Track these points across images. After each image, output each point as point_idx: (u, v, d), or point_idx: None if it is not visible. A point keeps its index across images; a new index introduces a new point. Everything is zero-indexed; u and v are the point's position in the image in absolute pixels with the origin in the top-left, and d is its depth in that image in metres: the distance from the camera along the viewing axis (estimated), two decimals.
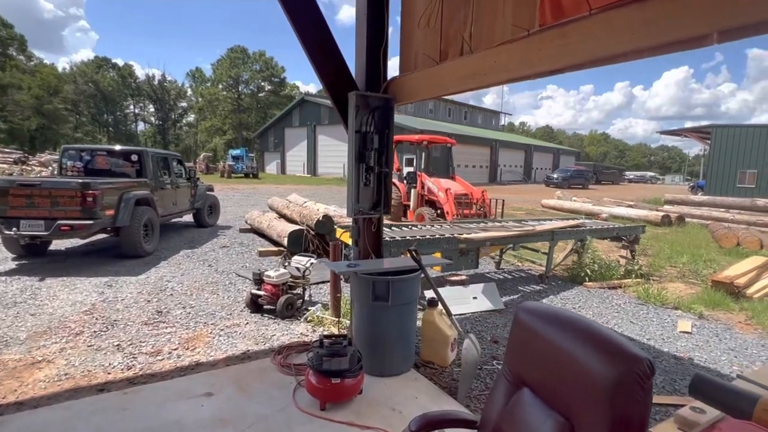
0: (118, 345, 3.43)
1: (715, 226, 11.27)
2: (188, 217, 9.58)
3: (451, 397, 2.78)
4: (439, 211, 9.32)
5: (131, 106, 60.84)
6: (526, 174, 41.63)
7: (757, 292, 5.56)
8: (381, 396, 2.73)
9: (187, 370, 3.08)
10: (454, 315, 3.28)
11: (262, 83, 58.55)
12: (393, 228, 5.59)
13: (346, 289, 4.47)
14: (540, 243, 6.18)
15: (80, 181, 5.74)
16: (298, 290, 4.38)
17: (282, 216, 8.37)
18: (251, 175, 31.03)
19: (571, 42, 1.89)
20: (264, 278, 4.18)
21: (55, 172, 9.59)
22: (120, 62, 59.32)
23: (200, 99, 59.19)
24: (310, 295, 4.76)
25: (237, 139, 55.07)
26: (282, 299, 4.04)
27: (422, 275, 3.05)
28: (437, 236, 5.05)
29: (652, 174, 69.33)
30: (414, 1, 3.02)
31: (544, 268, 6.65)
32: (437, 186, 9.38)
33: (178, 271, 5.79)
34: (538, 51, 2.04)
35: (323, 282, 5.41)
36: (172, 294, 4.80)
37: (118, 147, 7.66)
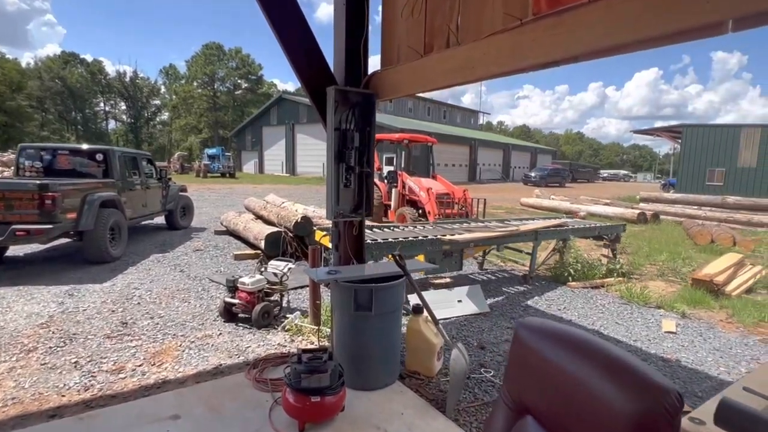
0: (75, 362, 3.14)
1: (689, 224, 11.52)
2: (160, 219, 9.17)
3: (438, 411, 2.62)
4: (420, 211, 9.19)
5: (101, 104, 58.72)
6: (505, 173, 42.10)
7: (735, 289, 5.61)
8: (365, 412, 2.54)
9: (152, 389, 2.83)
10: (439, 320, 3.13)
11: (239, 81, 57.46)
12: (374, 229, 5.40)
13: (326, 294, 4.28)
14: (523, 243, 6.12)
15: (38, 182, 5.34)
16: (276, 297, 4.15)
17: (259, 217, 8.08)
18: (228, 175, 30.32)
19: (567, 32, 1.75)
20: (238, 285, 3.94)
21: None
22: (89, 58, 57.29)
23: (174, 97, 57.62)
24: (288, 302, 4.53)
25: (213, 137, 53.86)
26: (258, 307, 3.80)
27: (407, 281, 2.87)
28: (420, 238, 4.90)
29: (625, 172, 71.24)
30: None
31: (527, 268, 6.59)
32: (418, 185, 9.25)
33: (147, 278, 5.46)
34: (531, 42, 1.90)
35: (302, 287, 5.19)
36: (139, 303, 4.50)
37: (85, 146, 7.24)
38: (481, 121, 57.35)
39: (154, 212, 8.34)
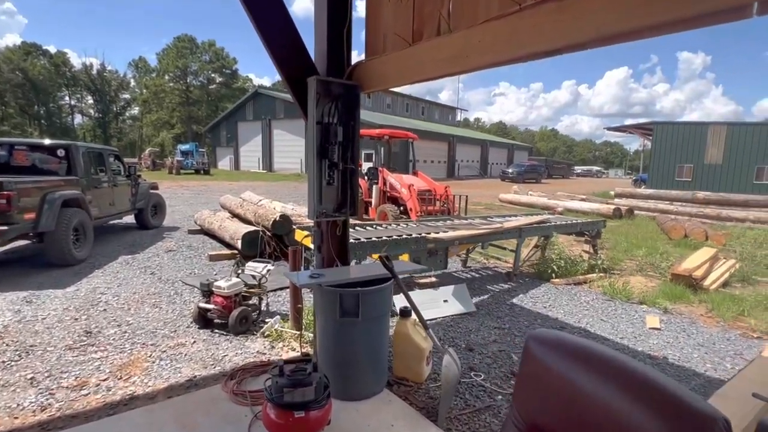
0: (31, 378, 2.86)
1: (662, 219, 11.80)
2: (129, 219, 8.74)
3: (430, 421, 2.48)
4: (401, 208, 9.06)
5: (66, 98, 56.16)
6: (483, 169, 42.50)
7: (712, 283, 5.71)
8: (352, 426, 2.38)
9: (118, 406, 2.59)
10: (425, 320, 2.99)
11: (213, 75, 56.00)
12: (356, 228, 5.23)
13: (307, 297, 4.08)
14: (505, 240, 6.06)
15: None
16: (254, 301, 3.94)
17: (235, 216, 7.78)
18: (202, 172, 29.51)
19: (572, 18, 1.62)
20: (213, 290, 3.70)
21: None
22: (52, 49, 54.58)
23: (145, 91, 55.67)
24: (267, 305, 4.32)
25: (186, 133, 52.34)
26: (235, 313, 3.58)
27: (395, 284, 2.72)
28: (404, 236, 4.75)
29: (598, 168, 73.19)
30: None
31: (510, 265, 6.56)
32: (400, 182, 9.11)
33: (114, 281, 5.13)
34: (531, 28, 1.76)
35: (282, 288, 4.98)
36: (105, 309, 4.20)
37: (46, 141, 6.79)
38: (458, 118, 57.70)
39: (123, 211, 7.92)
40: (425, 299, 4.37)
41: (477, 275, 6.09)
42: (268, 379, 2.23)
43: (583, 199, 16.86)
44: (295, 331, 3.61)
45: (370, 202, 9.88)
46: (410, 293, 2.77)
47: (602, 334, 4.10)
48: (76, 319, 3.93)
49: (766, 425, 1.12)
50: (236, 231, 6.46)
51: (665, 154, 23.78)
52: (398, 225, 5.70)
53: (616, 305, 4.98)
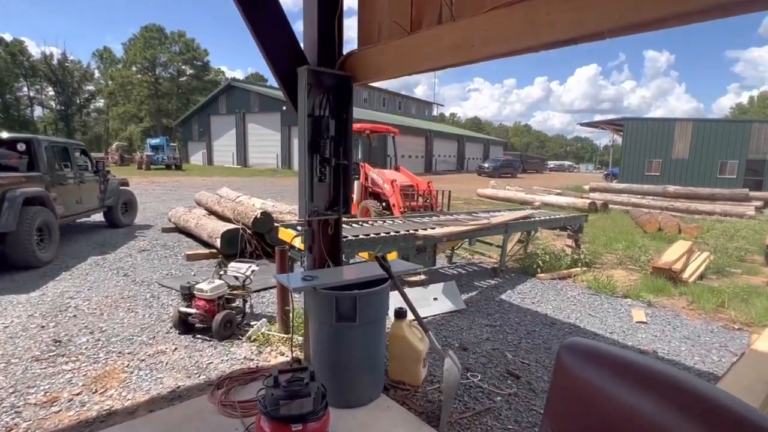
0: None
1: (636, 212, 12.12)
2: (98, 217, 8.30)
3: (431, 427, 2.39)
4: (384, 204, 8.94)
5: (25, 89, 53.15)
6: (459, 164, 42.84)
7: (690, 276, 5.85)
8: None
9: (95, 423, 2.38)
10: (412, 320, 2.90)
11: (183, 67, 54.15)
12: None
13: (296, 298, 3.92)
14: (490, 235, 6.03)
15: None
16: (238, 303, 3.75)
17: (212, 213, 7.48)
18: (174, 167, 28.53)
19: (590, 5, 1.53)
20: (195, 293, 3.49)
21: None
22: (8, 37, 51.43)
23: (110, 82, 53.32)
24: (251, 307, 4.13)
25: (156, 127, 50.54)
26: (219, 317, 3.39)
27: (392, 285, 2.61)
28: (393, 233, 4.65)
29: (570, 163, 75.06)
30: None
31: (494, 261, 6.55)
32: (382, 177, 8.98)
33: (84, 284, 4.82)
34: (546, 16, 1.66)
35: (265, 289, 4.80)
36: (75, 315, 3.92)
37: (4, 134, 6.32)
38: (435, 113, 57.92)
39: (91, 209, 7.50)
40: (415, 297, 4.27)
41: (463, 271, 6.05)
42: (261, 390, 2.08)
43: (559, 194, 17.18)
44: (283, 335, 3.45)
45: (352, 198, 9.72)
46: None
47: (592, 329, 4.12)
48: (43, 326, 3.64)
49: None
50: (214, 229, 6.20)
51: (635, 149, 24.52)
52: (384, 222, 5.59)
53: (601, 299, 5.02)
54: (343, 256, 3.92)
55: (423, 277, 4.77)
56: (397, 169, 9.98)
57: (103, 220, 8.31)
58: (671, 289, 5.35)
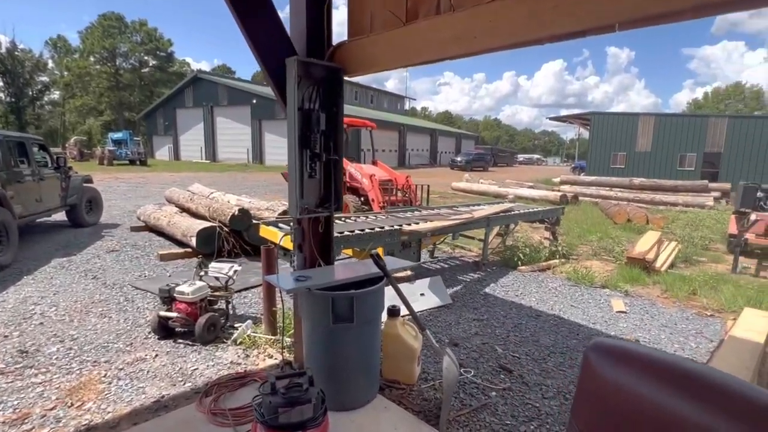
0: None
1: (606, 204, 12.52)
2: (61, 216, 7.82)
3: (431, 426, 2.36)
4: (363, 199, 8.85)
5: None
6: (432, 157, 43.12)
7: (662, 265, 6.08)
8: None
9: None
10: (404, 316, 2.86)
11: (146, 57, 51.85)
12: None
13: (281, 297, 3.80)
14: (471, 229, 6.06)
15: None
16: (221, 305, 3.59)
17: (185, 210, 7.19)
18: (138, 162, 27.35)
19: None
20: (175, 296, 3.32)
21: None
22: None
23: (66, 73, 50.44)
24: (233, 308, 3.98)
25: (117, 120, 48.29)
26: (202, 320, 3.24)
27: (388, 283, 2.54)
28: (377, 229, 4.58)
29: (538, 156, 76.94)
30: None
31: (475, 254, 6.61)
32: (360, 172, 8.88)
33: (49, 289, 4.52)
34: (553, 9, 1.63)
35: (246, 289, 4.65)
36: (42, 323, 3.66)
37: None
38: (407, 107, 58.00)
39: (52, 208, 7.06)
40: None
41: (446, 266, 6.06)
42: (257, 397, 1.99)
43: (531, 187, 17.55)
44: (270, 336, 3.33)
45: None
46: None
47: (576, 320, 4.19)
48: (6, 336, 3.38)
49: None
50: (189, 227, 5.95)
51: (602, 143, 25.34)
52: (367, 217, 5.51)
53: (581, 290, 5.14)
54: None
55: (409, 273, 4.73)
56: (374, 163, 9.90)
57: (66, 219, 7.84)
58: (645, 279, 5.54)
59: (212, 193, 7.80)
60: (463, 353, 3.39)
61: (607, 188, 15.79)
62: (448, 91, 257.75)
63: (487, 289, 5.03)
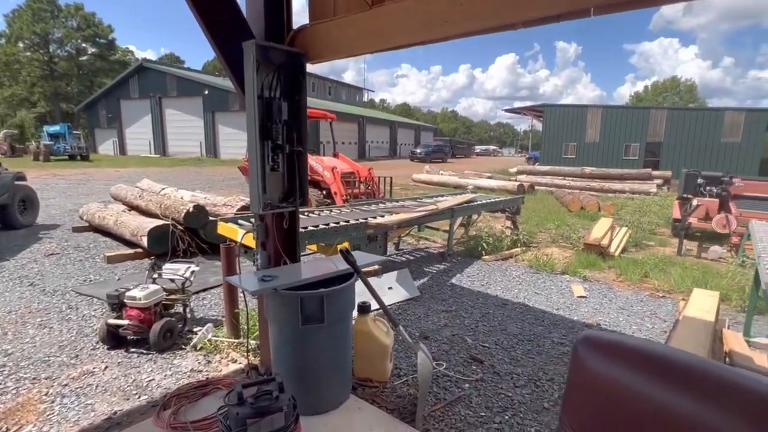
0: None
1: (560, 193, 13.01)
2: None
3: (406, 424, 2.30)
4: (325, 192, 8.66)
5: None
6: (392, 149, 43.20)
7: (615, 250, 6.37)
8: None
9: None
10: (373, 311, 2.79)
11: (83, 44, 48.18)
12: None
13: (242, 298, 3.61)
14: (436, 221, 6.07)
15: None
16: (178, 308, 3.36)
17: (134, 208, 6.73)
18: (79, 157, 25.51)
19: None
20: (126, 301, 3.06)
21: None
22: None
23: None
24: (191, 311, 3.75)
25: (53, 112, 44.73)
26: (157, 326, 3.00)
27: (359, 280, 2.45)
28: (343, 223, 4.46)
29: (494, 147, 78.98)
30: None
31: (439, 245, 6.64)
32: (321, 165, 8.67)
33: None
34: None
35: (205, 290, 4.40)
36: None
37: None
38: (365, 99, 57.65)
39: None
40: None
41: (412, 257, 6.04)
42: (222, 409, 1.84)
43: (489, 177, 17.95)
44: (233, 340, 3.15)
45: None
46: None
47: (540, 307, 4.29)
48: None
49: None
50: (139, 226, 5.55)
51: (554, 134, 26.32)
52: (331, 211, 5.37)
53: (543, 277, 5.27)
54: None
55: (377, 267, 4.65)
56: (335, 155, 9.72)
57: None
58: (601, 264, 5.78)
59: (163, 189, 7.34)
60: (434, 346, 3.36)
61: (561, 177, 16.43)
62: (406, 83, 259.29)
63: (453, 280, 5.05)
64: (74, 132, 27.27)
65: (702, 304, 3.60)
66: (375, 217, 4.83)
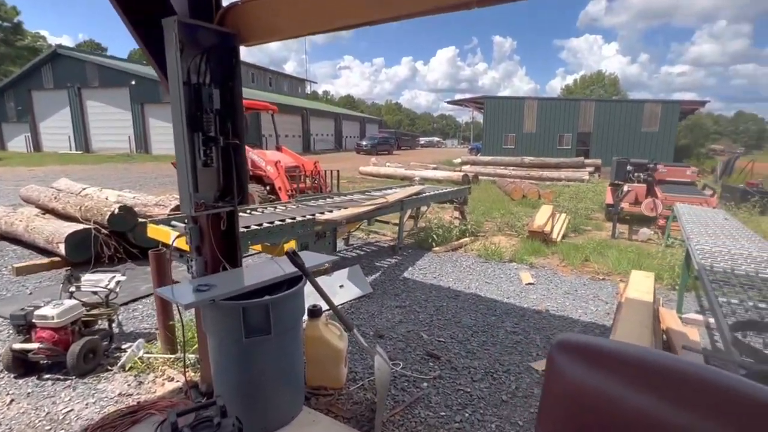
0: None
1: (502, 182, 13.44)
2: None
3: None
4: (268, 188, 8.26)
5: None
6: (338, 142, 42.65)
7: (557, 236, 6.63)
8: None
9: None
10: (325, 311, 2.63)
11: None
12: None
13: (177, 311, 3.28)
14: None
15: None
16: (102, 324, 2.97)
17: (49, 211, 5.99)
18: None
19: None
20: (35, 321, 2.64)
21: None
22: None
23: None
24: (119, 326, 3.36)
25: None
26: (75, 347, 2.62)
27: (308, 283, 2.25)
28: (289, 220, 4.22)
29: (438, 139, 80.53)
30: None
31: (389, 238, 6.55)
32: (264, 159, 8.25)
33: None
34: None
35: (136, 300, 3.98)
36: None
37: None
38: (308, 90, 56.34)
39: None
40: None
41: (362, 252, 5.90)
42: None
43: (435, 168, 18.18)
44: (169, 356, 2.84)
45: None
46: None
47: (491, 296, 4.32)
48: None
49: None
50: (55, 232, 4.93)
51: (495, 125, 27.22)
52: (275, 208, 5.07)
53: (492, 266, 5.35)
54: None
55: (327, 265, 4.45)
56: (279, 149, 9.31)
57: None
58: (545, 250, 5.97)
59: (84, 189, 6.61)
60: (389, 344, 3.25)
61: (503, 167, 17.00)
62: (349, 75, 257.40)
63: (405, 274, 4.98)
64: None
65: (640, 286, 3.78)
66: (323, 213, 4.62)
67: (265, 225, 3.99)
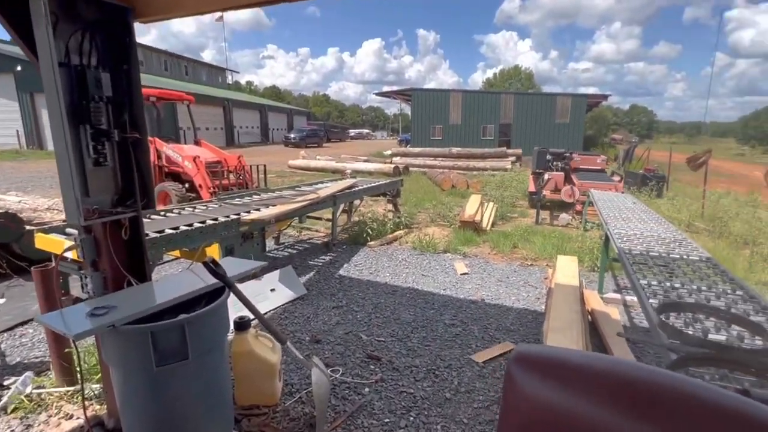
0: None
1: (432, 173, 13.70)
2: None
3: None
4: (187, 186, 7.59)
5: None
6: (264, 135, 40.99)
7: (487, 224, 6.84)
8: None
9: None
10: (252, 319, 2.38)
11: None
12: None
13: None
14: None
15: None
16: None
17: None
18: None
19: None
20: None
21: None
22: None
23: None
24: (1, 356, 2.82)
25: None
26: None
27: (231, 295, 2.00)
28: (210, 222, 3.83)
29: (368, 131, 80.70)
30: None
31: (322, 234, 6.33)
32: (181, 154, 7.54)
33: None
34: None
35: (24, 323, 3.40)
36: None
37: None
38: (229, 80, 53.32)
39: None
40: (250, 294, 3.64)
41: (295, 251, 5.61)
42: None
43: (366, 160, 18.10)
44: (65, 388, 2.41)
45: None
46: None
47: (429, 289, 4.30)
48: None
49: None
50: None
51: (422, 117, 27.79)
52: (194, 208, 4.62)
53: (428, 258, 5.36)
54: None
55: (254, 271, 4.13)
56: (197, 143, 8.60)
57: None
58: (477, 239, 6.12)
59: None
60: (327, 349, 3.07)
61: (432, 158, 17.37)
62: (274, 65, 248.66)
63: (341, 271, 4.80)
64: None
65: (566, 270, 3.97)
66: (249, 212, 4.28)
67: (183, 228, 3.57)
